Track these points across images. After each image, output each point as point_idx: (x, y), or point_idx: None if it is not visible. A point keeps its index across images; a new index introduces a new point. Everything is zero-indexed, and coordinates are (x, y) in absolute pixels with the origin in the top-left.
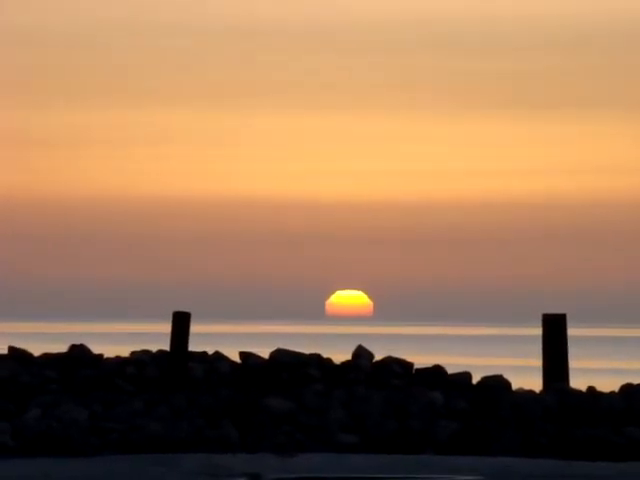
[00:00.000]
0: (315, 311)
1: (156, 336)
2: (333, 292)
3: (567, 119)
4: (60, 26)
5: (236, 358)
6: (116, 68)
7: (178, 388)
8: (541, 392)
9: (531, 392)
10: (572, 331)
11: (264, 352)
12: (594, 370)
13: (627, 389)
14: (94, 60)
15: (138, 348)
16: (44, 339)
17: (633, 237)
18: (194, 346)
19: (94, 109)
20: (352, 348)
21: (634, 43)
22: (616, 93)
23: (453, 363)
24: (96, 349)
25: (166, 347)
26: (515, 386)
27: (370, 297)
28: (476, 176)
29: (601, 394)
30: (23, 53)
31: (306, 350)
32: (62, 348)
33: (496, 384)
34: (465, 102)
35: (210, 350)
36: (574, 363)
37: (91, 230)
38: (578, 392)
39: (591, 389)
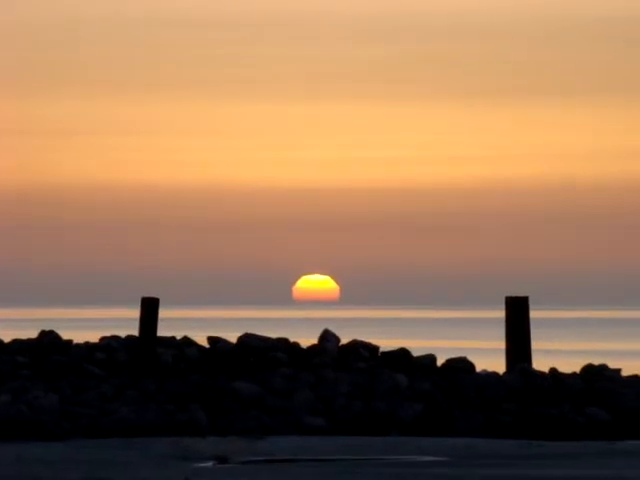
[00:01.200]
0: (282, 296)
1: (125, 321)
2: (299, 277)
3: (526, 107)
4: (40, 19)
5: (204, 343)
6: (95, 60)
7: (147, 373)
8: (504, 373)
9: (494, 374)
10: (534, 313)
11: (232, 337)
12: (556, 351)
13: (588, 370)
14: (73, 52)
15: (107, 334)
16: (14, 325)
17: (593, 222)
18: (163, 331)
19: (72, 100)
20: (319, 332)
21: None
22: (569, 83)
23: (418, 346)
24: (66, 335)
25: (135, 332)
26: (479, 368)
27: (336, 281)
28: (440, 163)
29: (563, 375)
30: (5, 46)
31: (273, 334)
32: (32, 334)
33: (460, 366)
34: (419, 89)
35: (179, 335)
36: (537, 345)
37: (60, 217)
38: (540, 373)
39: (553, 370)
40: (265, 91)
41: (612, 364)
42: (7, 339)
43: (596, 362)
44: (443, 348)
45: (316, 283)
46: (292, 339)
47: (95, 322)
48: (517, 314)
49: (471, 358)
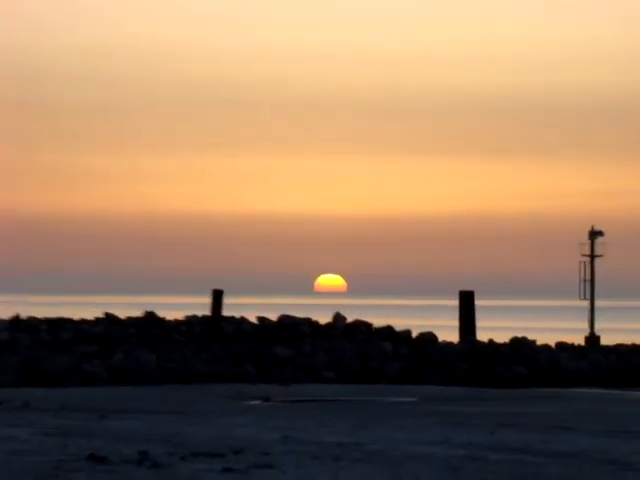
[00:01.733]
0: (306, 288)
1: (201, 306)
2: (319, 275)
3: (486, 160)
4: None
5: (255, 320)
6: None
7: (215, 340)
8: (458, 343)
9: (451, 343)
10: (479, 302)
11: (274, 316)
12: (493, 328)
13: (514, 340)
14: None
15: (189, 313)
16: (126, 307)
17: (514, 237)
18: (226, 312)
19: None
20: (332, 314)
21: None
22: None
23: (399, 324)
24: (161, 314)
25: (207, 312)
26: (440, 339)
27: (344, 279)
28: (419, 200)
29: (497, 344)
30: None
31: (301, 315)
32: (139, 313)
33: (427, 338)
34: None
35: (237, 315)
36: (479, 323)
37: (171, 235)
38: (482, 342)
39: (491, 341)
40: (321, 149)
41: (530, 337)
42: (122, 316)
43: (519, 335)
44: (415, 325)
45: (330, 280)
46: (314, 318)
47: (180, 305)
48: (467, 303)
49: (435, 332)
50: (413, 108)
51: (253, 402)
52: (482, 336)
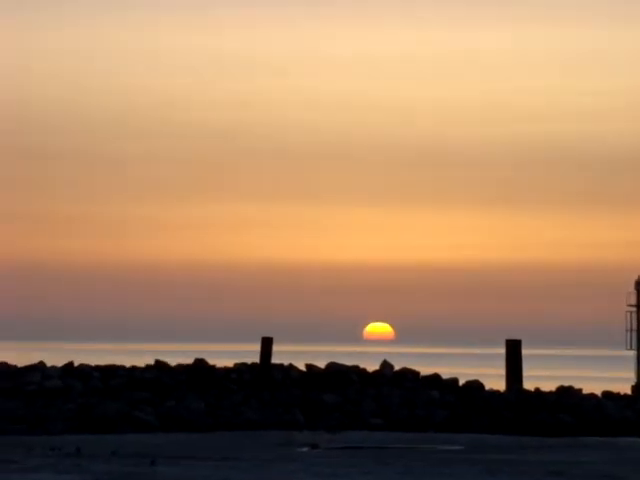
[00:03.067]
0: (355, 337)
1: (250, 353)
2: (368, 323)
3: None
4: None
5: (303, 368)
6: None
7: (265, 387)
8: (505, 391)
9: (498, 391)
10: (526, 351)
11: (322, 364)
12: (539, 376)
13: (560, 389)
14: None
15: (239, 361)
16: (177, 355)
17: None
18: (275, 359)
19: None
20: (379, 362)
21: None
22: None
23: (446, 372)
24: (211, 361)
25: (257, 360)
26: (487, 387)
27: (392, 327)
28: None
29: (543, 392)
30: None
31: (349, 362)
32: (189, 361)
33: (474, 386)
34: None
35: (286, 362)
36: (526, 372)
37: (211, 281)
38: (529, 391)
39: (537, 389)
40: (366, 199)
41: (576, 386)
42: (173, 364)
43: (566, 384)
44: (463, 373)
45: (378, 328)
46: (362, 366)
47: (231, 353)
48: (513, 351)
49: (482, 381)
50: (456, 159)
51: (302, 449)
52: (529, 385)
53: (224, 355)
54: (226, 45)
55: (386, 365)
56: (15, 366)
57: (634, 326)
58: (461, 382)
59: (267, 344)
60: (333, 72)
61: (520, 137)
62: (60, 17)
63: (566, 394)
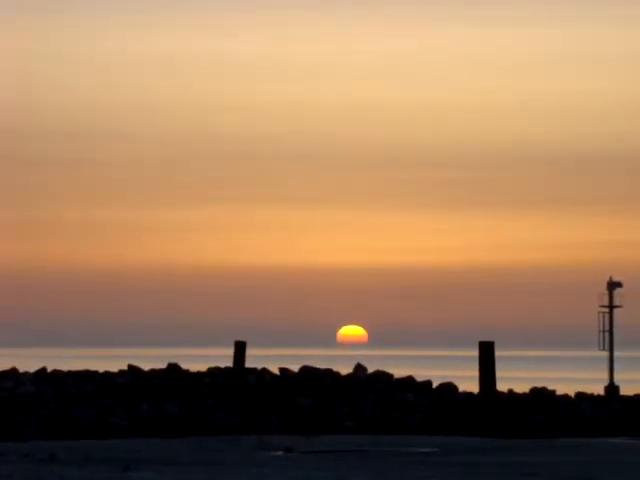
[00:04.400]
0: (329, 340)
1: (223, 357)
2: (341, 327)
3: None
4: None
5: (276, 371)
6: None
7: (238, 391)
8: (478, 393)
9: (471, 393)
10: (499, 353)
11: (295, 367)
12: (513, 378)
13: (533, 390)
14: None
15: (212, 365)
16: (151, 360)
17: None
18: (249, 363)
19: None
20: (353, 365)
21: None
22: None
23: (420, 375)
24: (184, 366)
25: (230, 364)
26: (460, 389)
27: (366, 330)
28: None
29: (517, 394)
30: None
31: (323, 366)
32: (162, 365)
33: (448, 388)
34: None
35: (259, 366)
36: (499, 374)
37: (183, 285)
38: (502, 393)
39: (510, 391)
40: (340, 201)
41: (549, 387)
42: (146, 368)
43: (539, 385)
44: (437, 375)
45: (352, 331)
46: (335, 369)
47: (204, 357)
48: (487, 353)
49: (456, 383)
50: (430, 160)
51: (276, 453)
52: (502, 386)
53: (197, 359)
54: (213, 48)
55: (360, 368)
56: None
57: (607, 327)
58: (435, 384)
59: (240, 348)
60: (309, 75)
61: (489, 137)
62: (61, 19)
63: (539, 395)
